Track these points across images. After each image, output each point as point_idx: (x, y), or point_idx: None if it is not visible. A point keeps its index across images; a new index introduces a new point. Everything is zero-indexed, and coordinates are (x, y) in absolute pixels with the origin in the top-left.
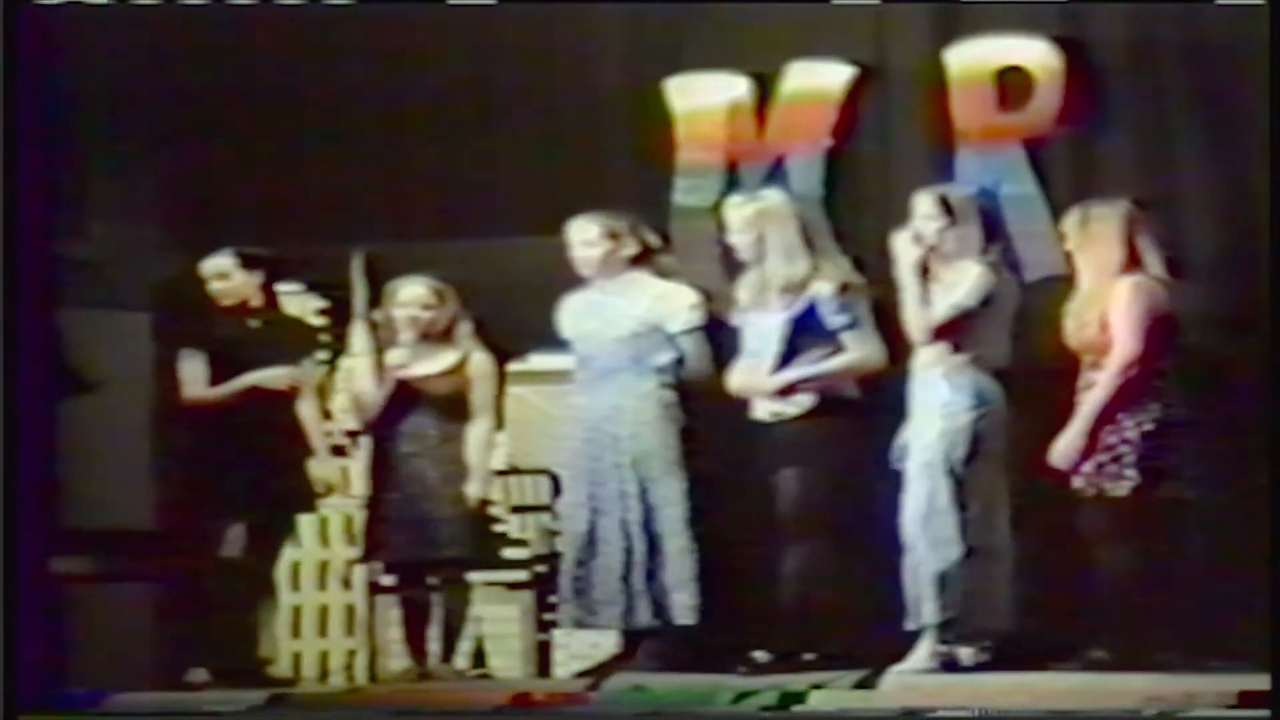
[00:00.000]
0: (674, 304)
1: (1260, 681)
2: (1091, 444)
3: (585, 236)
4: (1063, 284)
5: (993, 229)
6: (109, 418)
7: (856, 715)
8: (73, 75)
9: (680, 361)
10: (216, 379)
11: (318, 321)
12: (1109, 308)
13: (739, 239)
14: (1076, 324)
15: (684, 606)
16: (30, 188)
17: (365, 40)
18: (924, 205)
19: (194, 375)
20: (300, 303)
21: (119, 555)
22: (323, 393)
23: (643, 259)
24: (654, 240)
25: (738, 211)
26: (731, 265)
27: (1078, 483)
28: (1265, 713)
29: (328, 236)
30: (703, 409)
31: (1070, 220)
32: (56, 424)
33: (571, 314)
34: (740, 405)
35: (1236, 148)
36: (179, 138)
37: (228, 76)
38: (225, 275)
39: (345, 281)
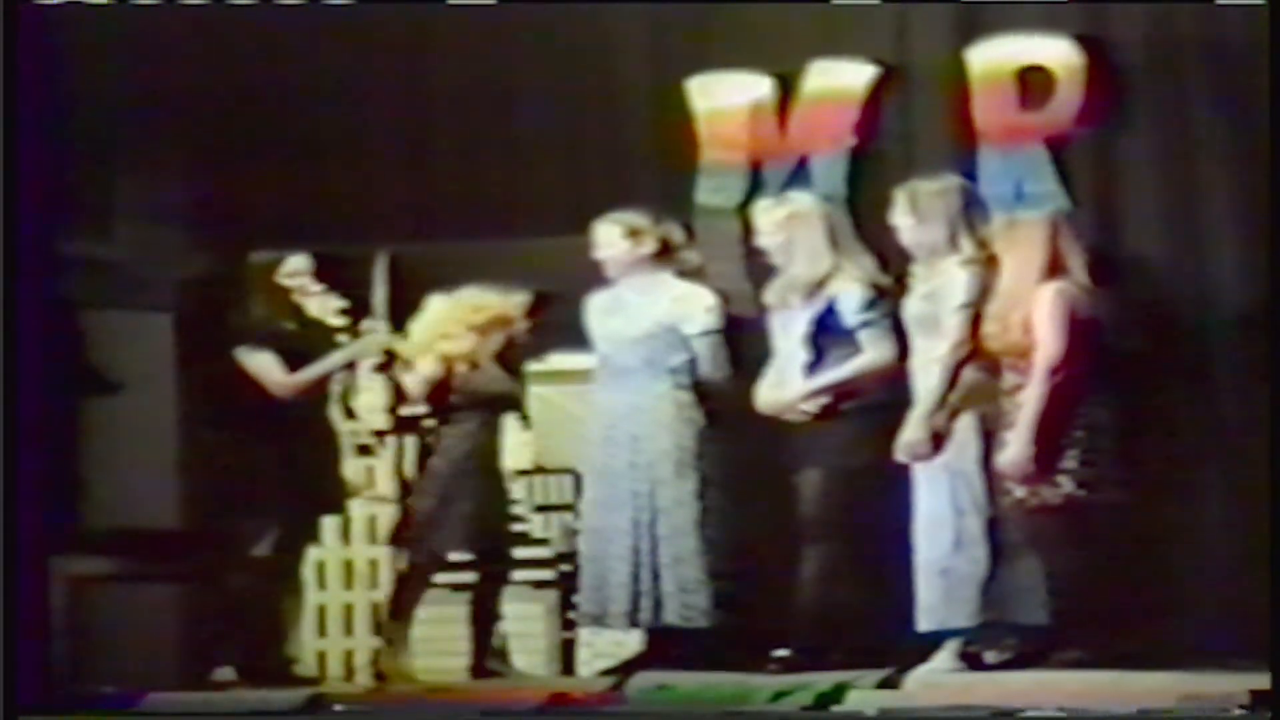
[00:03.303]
0: (691, 306)
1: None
2: (1035, 452)
3: (605, 239)
4: None
5: (970, 223)
6: (132, 418)
7: (943, 715)
8: (73, 75)
9: (695, 363)
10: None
11: (338, 322)
12: (1032, 312)
13: (769, 241)
14: (999, 327)
15: (695, 608)
16: (31, 188)
17: (384, 39)
18: (899, 202)
19: (267, 366)
20: (320, 303)
21: (143, 555)
22: (346, 394)
23: (665, 256)
24: (677, 236)
25: (768, 215)
26: (754, 265)
27: (1019, 492)
28: (1266, 714)
29: (350, 237)
30: (723, 409)
31: (996, 224)
32: (77, 424)
33: (596, 312)
34: (736, 404)
35: (1255, 146)
36: (194, 139)
37: (239, 77)
38: (299, 276)
39: (365, 282)
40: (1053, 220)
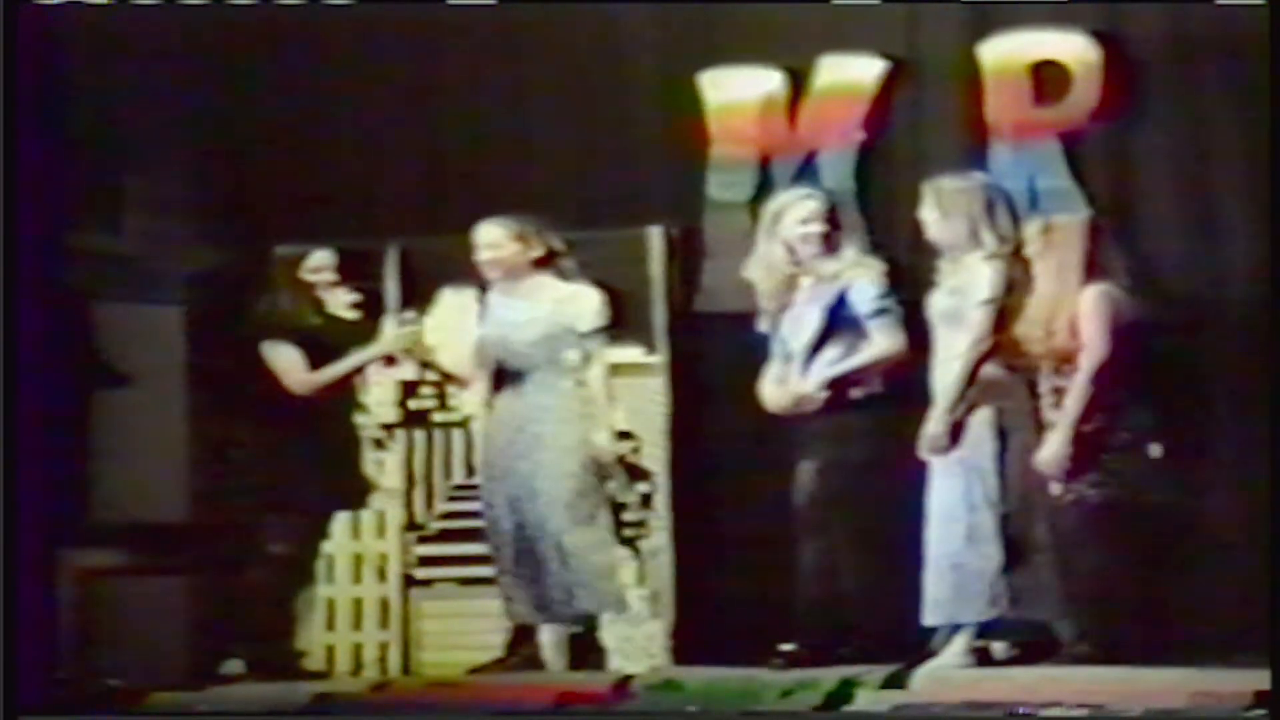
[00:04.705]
0: (579, 306)
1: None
2: (1074, 450)
3: (491, 239)
4: None
5: (994, 220)
6: (141, 411)
7: (957, 715)
8: (74, 74)
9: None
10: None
11: (351, 316)
12: (1077, 315)
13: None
14: (1043, 331)
15: (595, 599)
16: (38, 184)
17: (394, 35)
18: (925, 197)
19: (291, 363)
20: (334, 297)
21: (152, 548)
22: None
23: (546, 262)
24: (558, 244)
25: (805, 204)
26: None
27: (1056, 489)
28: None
29: (361, 232)
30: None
31: (1032, 228)
32: (85, 417)
33: (476, 318)
34: (745, 399)
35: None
36: (202, 135)
37: (248, 74)
38: (322, 271)
39: (376, 276)
40: (1092, 223)
